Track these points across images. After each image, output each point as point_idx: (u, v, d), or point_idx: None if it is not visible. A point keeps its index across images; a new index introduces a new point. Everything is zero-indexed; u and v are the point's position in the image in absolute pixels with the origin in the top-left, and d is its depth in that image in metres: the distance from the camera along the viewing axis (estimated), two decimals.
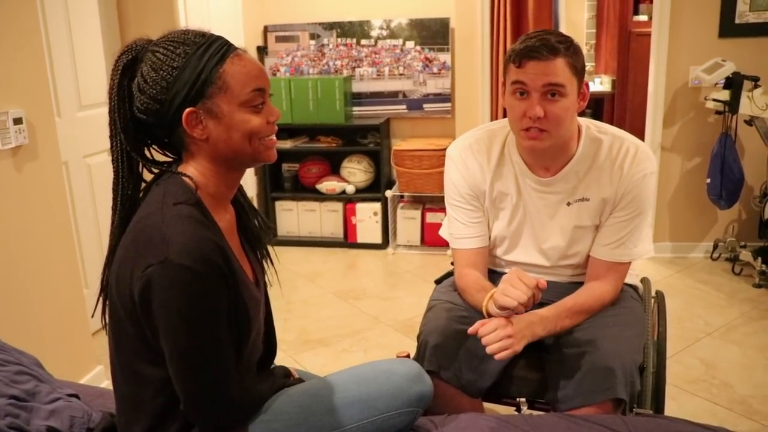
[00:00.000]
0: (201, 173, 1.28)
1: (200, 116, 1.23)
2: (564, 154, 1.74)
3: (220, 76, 1.22)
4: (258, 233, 1.49)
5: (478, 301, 1.73)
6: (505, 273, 1.93)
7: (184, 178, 1.27)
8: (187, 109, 1.22)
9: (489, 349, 1.53)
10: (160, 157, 1.37)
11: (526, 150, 1.75)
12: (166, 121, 1.24)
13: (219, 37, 1.27)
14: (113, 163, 1.28)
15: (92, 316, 1.28)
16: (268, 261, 1.53)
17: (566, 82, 1.59)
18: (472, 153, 1.85)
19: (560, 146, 1.71)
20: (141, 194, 1.33)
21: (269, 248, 1.54)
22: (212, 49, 1.23)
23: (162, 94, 1.21)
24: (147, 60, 1.24)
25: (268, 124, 1.28)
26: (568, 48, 1.60)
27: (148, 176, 1.34)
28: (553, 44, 1.58)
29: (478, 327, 1.56)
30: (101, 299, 1.32)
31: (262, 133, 1.27)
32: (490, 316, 1.64)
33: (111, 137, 1.27)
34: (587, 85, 1.68)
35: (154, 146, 1.35)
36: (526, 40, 1.62)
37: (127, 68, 1.26)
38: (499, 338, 1.54)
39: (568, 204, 1.78)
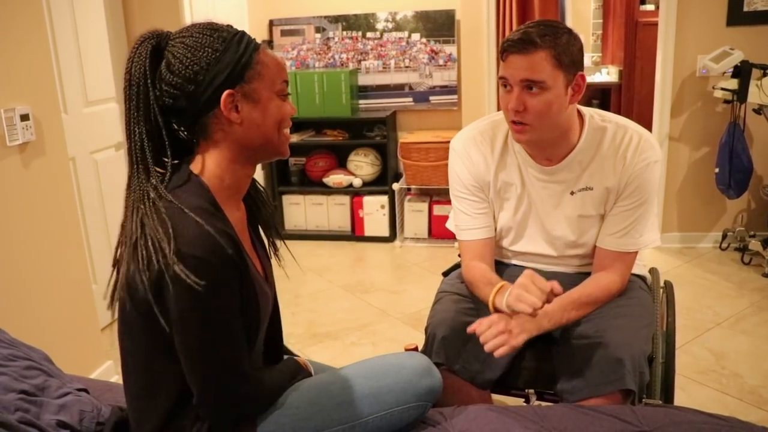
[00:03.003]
0: (218, 164, 1.27)
1: (237, 99, 1.24)
2: (565, 144, 1.73)
3: (258, 62, 1.25)
4: (270, 223, 1.50)
5: (485, 294, 1.72)
6: (512, 264, 1.95)
7: (196, 173, 1.26)
8: (227, 91, 1.22)
9: (486, 347, 1.54)
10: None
11: (515, 141, 1.75)
12: (198, 104, 1.23)
13: (245, 31, 1.29)
14: (129, 154, 1.24)
15: (105, 298, 1.27)
16: (276, 251, 1.53)
17: (546, 76, 1.57)
18: (476, 145, 1.84)
19: (558, 137, 1.70)
20: None
21: (279, 243, 1.54)
22: (246, 38, 1.26)
23: (200, 74, 1.21)
24: (178, 44, 1.23)
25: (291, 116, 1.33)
26: (553, 40, 1.56)
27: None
28: (533, 38, 1.56)
29: (476, 326, 1.57)
30: (112, 293, 1.31)
31: (288, 122, 1.32)
32: (497, 310, 1.64)
33: (129, 126, 1.24)
34: (582, 77, 1.64)
35: (164, 136, 1.30)
36: (512, 33, 1.62)
37: (153, 52, 1.24)
38: (494, 335, 1.54)
39: (572, 193, 1.78)
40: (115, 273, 1.28)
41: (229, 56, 1.22)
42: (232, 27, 1.28)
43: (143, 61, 1.22)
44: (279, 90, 1.28)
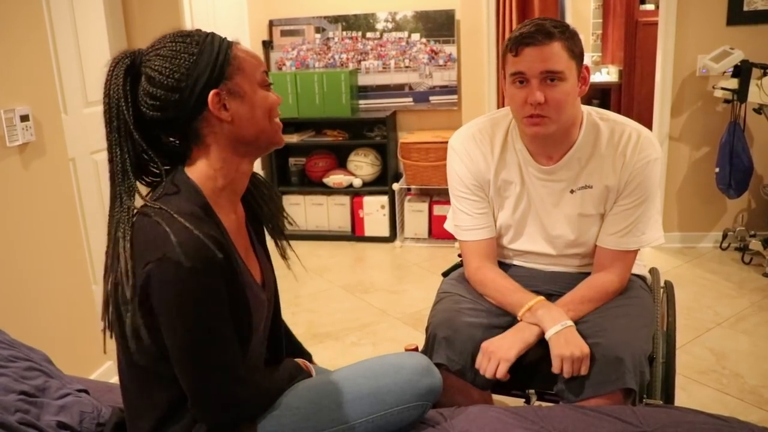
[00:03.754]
0: (211, 166, 1.28)
1: (223, 98, 1.24)
2: (566, 141, 1.73)
3: (234, 57, 1.26)
4: (274, 221, 1.50)
5: (512, 302, 1.74)
6: (513, 264, 1.94)
7: (190, 176, 1.27)
8: (213, 91, 1.22)
9: (487, 376, 1.64)
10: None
11: (530, 137, 1.74)
12: (186, 111, 1.23)
13: (214, 32, 1.30)
14: (111, 177, 1.24)
15: (102, 318, 1.27)
16: (283, 253, 1.54)
17: (564, 66, 1.58)
18: (476, 143, 1.84)
19: (563, 133, 1.70)
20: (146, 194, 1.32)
21: (285, 242, 1.55)
22: (218, 37, 1.27)
23: (182, 80, 1.21)
24: (153, 57, 1.23)
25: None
26: (564, 32, 1.59)
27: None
28: (548, 29, 1.57)
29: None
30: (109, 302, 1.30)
31: (276, 111, 1.32)
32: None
33: (111, 149, 1.24)
34: (587, 69, 1.67)
35: (150, 154, 1.29)
36: (521, 28, 1.62)
37: (128, 71, 1.24)
38: (487, 362, 1.63)
39: (572, 192, 1.77)
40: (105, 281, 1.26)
41: (206, 57, 1.23)
42: (201, 30, 1.28)
43: (119, 82, 1.23)
44: (260, 80, 1.29)
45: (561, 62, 1.58)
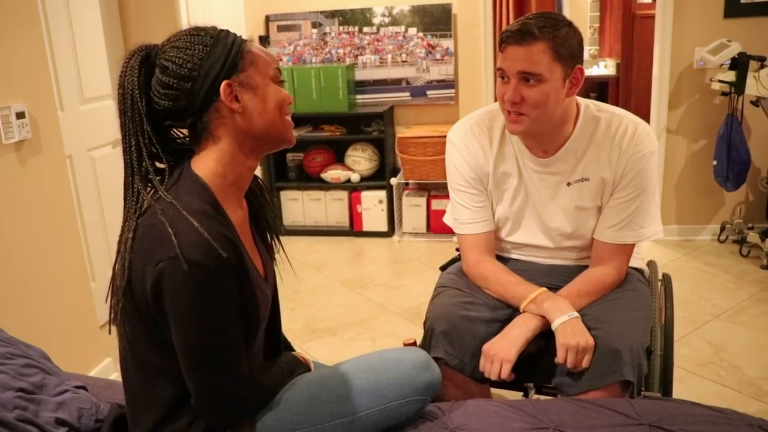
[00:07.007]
0: (220, 160, 1.27)
1: (235, 89, 1.25)
2: (561, 135, 1.73)
3: (248, 52, 1.27)
4: (271, 224, 1.50)
5: (515, 294, 1.74)
6: (512, 258, 1.94)
7: (197, 173, 1.26)
8: (224, 81, 1.23)
9: (492, 378, 1.64)
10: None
11: (510, 132, 1.75)
12: (198, 100, 1.23)
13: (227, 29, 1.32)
14: (126, 166, 1.26)
15: (106, 302, 1.27)
16: (278, 250, 1.54)
17: (544, 69, 1.57)
18: (474, 136, 1.84)
19: (551, 130, 1.70)
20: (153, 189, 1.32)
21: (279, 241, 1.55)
22: (232, 33, 1.29)
23: (195, 70, 1.22)
24: (168, 49, 1.25)
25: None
26: (552, 32, 1.57)
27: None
28: (531, 29, 1.56)
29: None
30: (111, 291, 1.31)
31: (288, 108, 1.33)
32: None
33: (126, 138, 1.25)
34: (580, 71, 1.64)
35: (157, 148, 1.29)
36: (512, 24, 1.63)
37: (143, 63, 1.25)
38: (490, 364, 1.63)
39: (568, 184, 1.77)
40: (114, 274, 1.27)
41: (220, 49, 1.24)
42: (216, 27, 1.30)
43: (134, 73, 1.24)
44: (273, 76, 1.30)
45: (540, 64, 1.57)
